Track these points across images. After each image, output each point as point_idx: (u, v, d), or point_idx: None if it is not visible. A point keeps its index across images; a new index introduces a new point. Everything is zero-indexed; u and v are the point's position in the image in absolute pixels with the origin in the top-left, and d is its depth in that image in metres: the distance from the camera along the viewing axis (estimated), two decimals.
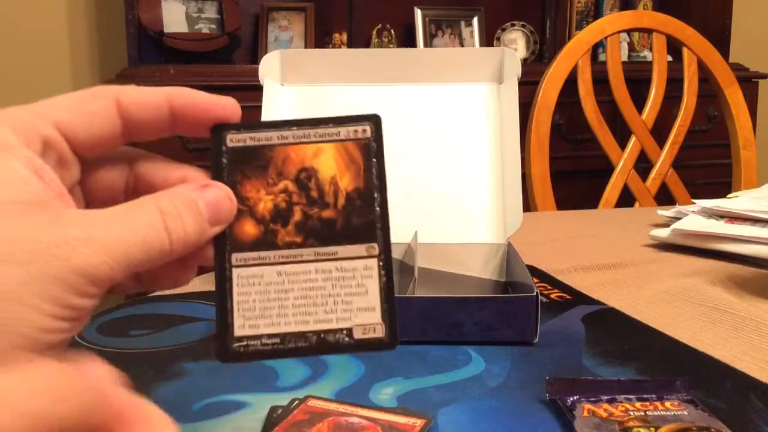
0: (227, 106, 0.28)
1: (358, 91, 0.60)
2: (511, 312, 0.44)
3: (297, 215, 0.27)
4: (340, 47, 1.97)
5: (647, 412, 0.33)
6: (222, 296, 0.26)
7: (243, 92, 1.73)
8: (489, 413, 0.35)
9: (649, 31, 1.54)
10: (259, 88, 0.58)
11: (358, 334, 0.26)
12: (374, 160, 0.27)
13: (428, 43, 2.05)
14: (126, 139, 0.28)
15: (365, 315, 0.26)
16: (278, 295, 0.26)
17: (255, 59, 1.97)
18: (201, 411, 0.35)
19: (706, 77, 1.51)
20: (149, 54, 1.84)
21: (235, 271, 0.27)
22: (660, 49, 1.50)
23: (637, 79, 1.63)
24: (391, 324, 0.26)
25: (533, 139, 1.38)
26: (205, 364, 0.41)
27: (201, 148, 1.63)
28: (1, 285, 0.21)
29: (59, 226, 0.23)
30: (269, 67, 0.59)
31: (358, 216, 0.27)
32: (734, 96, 1.47)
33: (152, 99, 0.27)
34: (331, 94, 0.60)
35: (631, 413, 0.33)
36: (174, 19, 1.85)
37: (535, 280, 0.57)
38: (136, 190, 0.29)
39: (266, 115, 0.57)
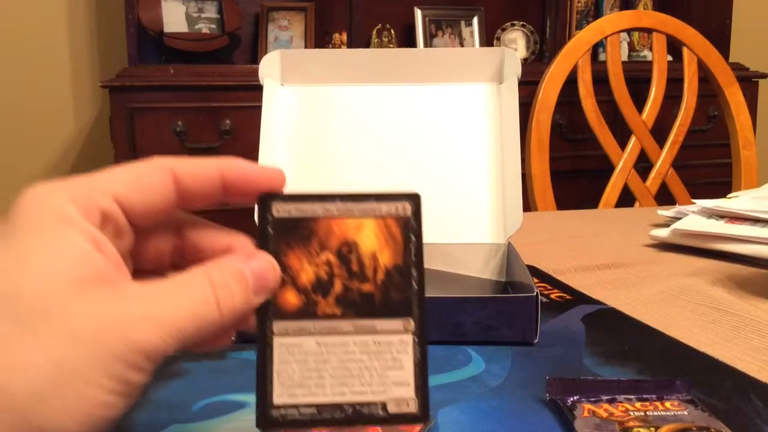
0: (274, 178, 0.29)
1: (358, 91, 0.60)
2: (511, 312, 0.44)
3: (337, 287, 0.28)
4: (340, 47, 1.97)
5: (647, 412, 0.33)
6: (262, 363, 0.27)
7: (243, 92, 1.74)
8: (489, 413, 0.35)
9: (649, 31, 1.54)
10: (259, 88, 0.58)
11: (392, 408, 0.27)
12: (413, 237, 0.28)
13: (428, 43, 2.05)
14: (179, 208, 0.29)
15: (399, 389, 0.27)
16: (317, 365, 0.27)
17: (255, 59, 1.97)
18: (201, 411, 0.35)
19: (706, 77, 1.50)
20: (149, 54, 1.84)
21: (276, 340, 0.27)
22: (660, 49, 1.50)
23: (637, 79, 1.63)
24: (424, 398, 0.27)
25: (533, 139, 1.38)
26: (205, 364, 0.41)
27: (201, 148, 1.63)
28: (66, 364, 0.22)
29: (118, 301, 0.24)
30: (269, 67, 0.59)
31: (396, 291, 0.28)
32: (734, 96, 1.47)
33: (206, 172, 0.28)
34: (331, 94, 0.60)
35: (631, 413, 0.33)
36: (174, 19, 1.85)
37: (535, 280, 0.57)
38: (183, 254, 0.30)
39: (266, 115, 0.57)
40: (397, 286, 0.28)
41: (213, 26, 1.88)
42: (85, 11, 1.95)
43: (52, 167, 1.98)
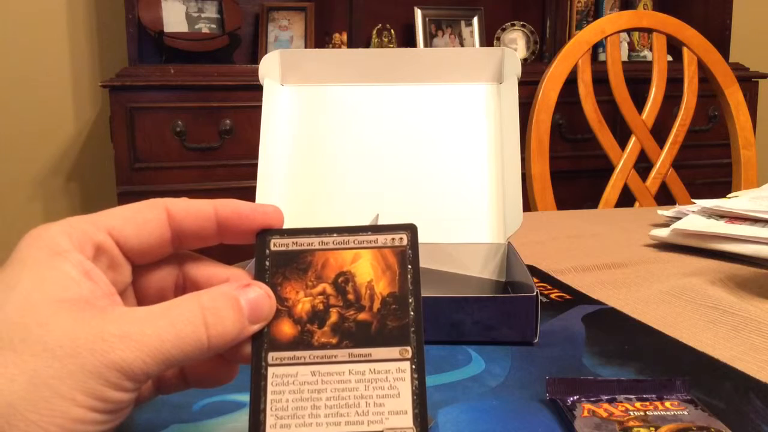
0: (269, 213, 0.29)
1: (358, 91, 0.60)
2: (511, 312, 0.44)
3: (333, 317, 0.28)
4: (340, 47, 1.97)
5: (647, 412, 0.33)
6: (256, 394, 0.27)
7: (243, 92, 1.74)
8: (489, 413, 0.35)
9: (649, 31, 1.54)
10: (259, 88, 0.58)
11: None
12: (409, 266, 0.29)
13: (428, 43, 2.05)
14: (175, 247, 0.29)
15: (397, 418, 0.26)
16: (311, 395, 0.27)
17: (255, 59, 1.97)
18: (201, 411, 0.35)
19: (706, 77, 1.50)
20: (149, 54, 1.84)
21: (271, 370, 0.27)
22: (660, 49, 1.50)
23: (637, 79, 1.63)
24: (423, 428, 0.27)
25: (533, 139, 1.38)
26: None
27: (201, 147, 1.63)
28: (40, 377, 0.23)
29: (100, 322, 0.24)
30: (269, 67, 0.59)
31: (393, 319, 0.28)
32: (734, 96, 1.47)
33: (200, 209, 0.29)
34: (331, 94, 0.60)
35: (631, 413, 0.33)
36: (174, 19, 1.85)
37: (535, 280, 0.57)
38: (184, 289, 0.30)
39: (266, 115, 0.57)
40: (394, 314, 0.28)
41: (213, 26, 1.88)
42: (85, 11, 1.95)
43: (52, 167, 1.98)
